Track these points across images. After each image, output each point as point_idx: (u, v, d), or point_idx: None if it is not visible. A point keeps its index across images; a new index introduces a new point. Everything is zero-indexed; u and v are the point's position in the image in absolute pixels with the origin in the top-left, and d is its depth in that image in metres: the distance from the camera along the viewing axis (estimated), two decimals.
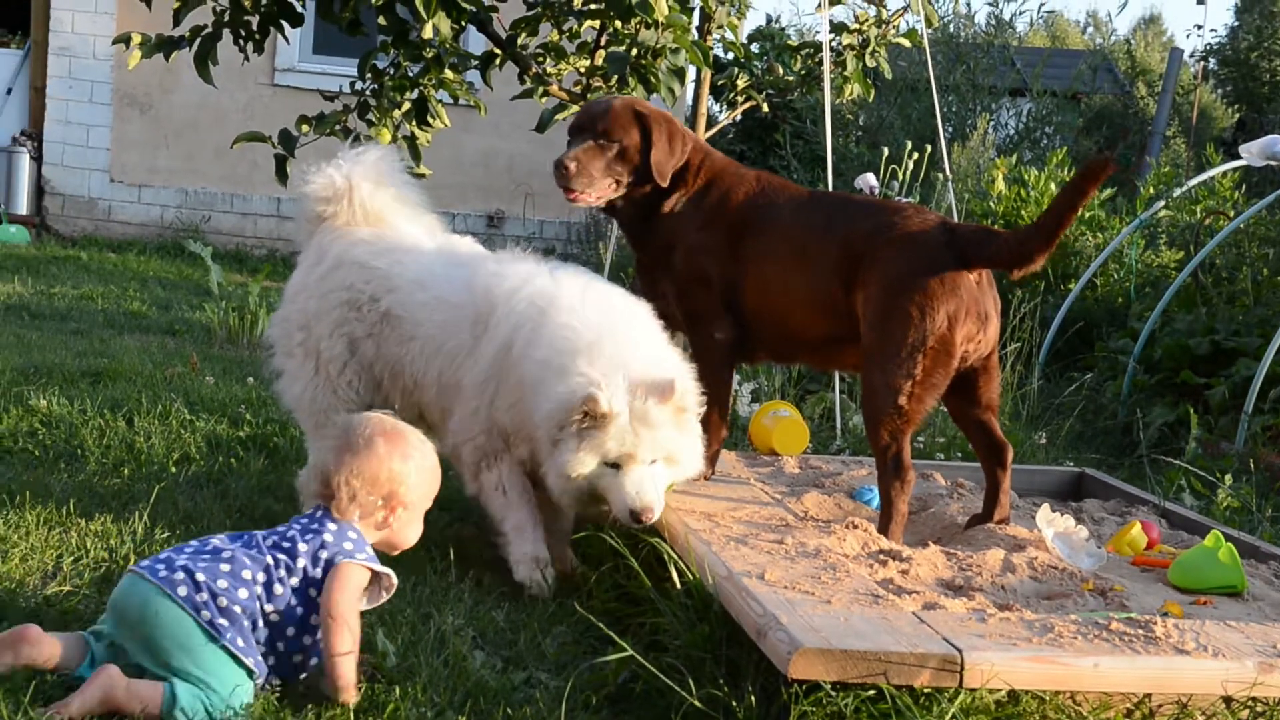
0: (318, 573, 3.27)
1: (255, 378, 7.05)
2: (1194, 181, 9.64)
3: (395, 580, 3.39)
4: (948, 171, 7.81)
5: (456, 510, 5.04)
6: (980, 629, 3.14)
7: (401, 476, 3.45)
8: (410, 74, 6.07)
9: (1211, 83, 25.38)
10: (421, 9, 5.54)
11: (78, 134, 14.55)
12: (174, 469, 5.23)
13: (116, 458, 5.28)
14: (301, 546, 3.29)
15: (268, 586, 3.23)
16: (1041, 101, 17.30)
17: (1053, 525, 4.17)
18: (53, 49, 14.40)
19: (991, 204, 10.34)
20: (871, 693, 2.93)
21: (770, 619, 3.08)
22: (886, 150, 9.19)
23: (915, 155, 8.48)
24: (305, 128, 6.07)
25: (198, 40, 5.95)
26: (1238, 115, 23.18)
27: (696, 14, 6.20)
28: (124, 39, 6.01)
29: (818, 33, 6.76)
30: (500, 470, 4.21)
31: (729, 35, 6.76)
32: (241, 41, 6.04)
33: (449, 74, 6.04)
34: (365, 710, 3.17)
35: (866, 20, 6.84)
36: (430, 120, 6.19)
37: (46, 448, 5.35)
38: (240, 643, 3.13)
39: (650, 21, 5.43)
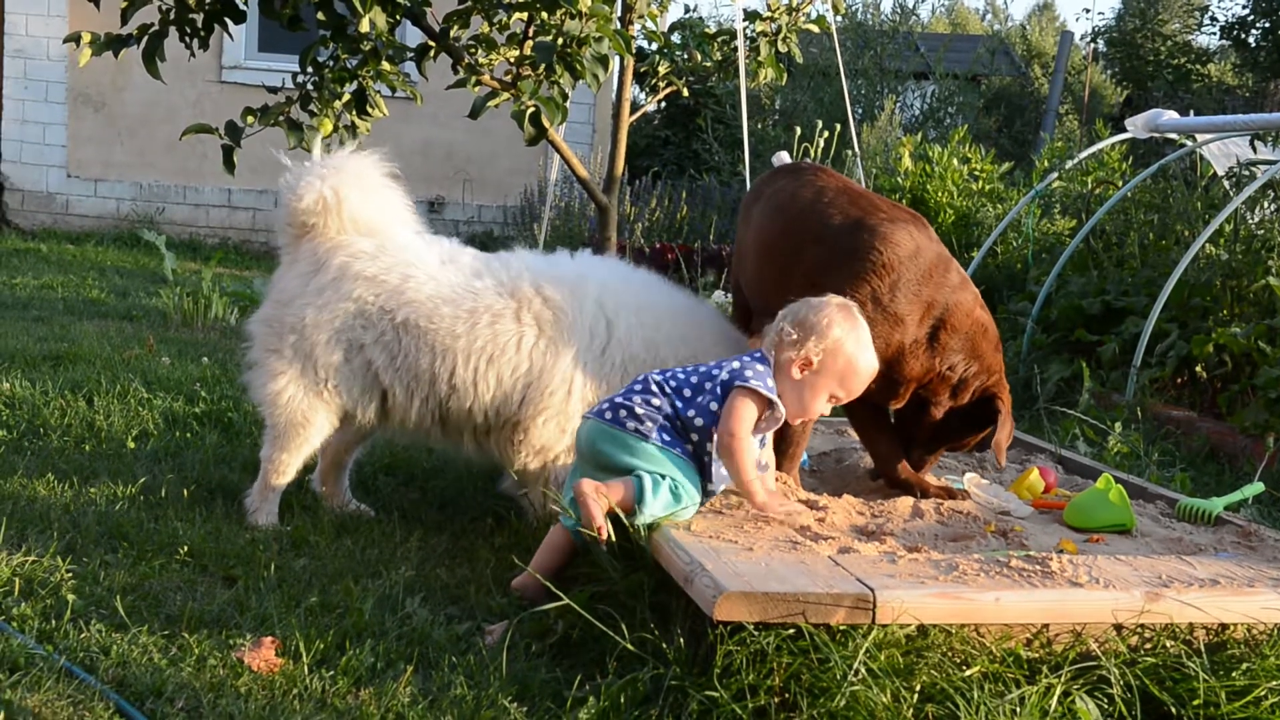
0: (715, 388, 3.62)
1: (210, 358, 6.98)
2: (1085, 154, 9.74)
3: (783, 413, 3.64)
4: (856, 149, 7.85)
5: (401, 475, 5.03)
6: (891, 569, 3.17)
7: (827, 337, 3.62)
8: (349, 66, 6.01)
9: (1101, 63, 25.62)
10: (358, 4, 5.49)
11: (35, 132, 14.31)
12: (132, 444, 5.16)
13: (77, 435, 5.21)
14: (709, 371, 3.67)
15: (672, 399, 3.63)
16: (944, 84, 17.43)
17: (971, 482, 4.22)
18: (8, 51, 14.14)
19: (899, 179, 10.40)
20: (791, 631, 2.95)
21: (696, 566, 3.10)
22: (799, 131, 9.21)
23: (826, 134, 8.51)
24: (250, 119, 5.99)
25: (145, 38, 5.85)
26: (1125, 93, 23.37)
27: (619, 4, 6.18)
28: (74, 38, 5.91)
29: (734, 21, 6.74)
30: None
31: (650, 25, 6.74)
32: (187, 39, 5.95)
33: (386, 66, 5.99)
34: (319, 664, 3.16)
35: (778, 7, 6.86)
36: (369, 110, 6.13)
37: (10, 427, 5.28)
38: (666, 438, 3.59)
39: (574, 12, 5.40)
